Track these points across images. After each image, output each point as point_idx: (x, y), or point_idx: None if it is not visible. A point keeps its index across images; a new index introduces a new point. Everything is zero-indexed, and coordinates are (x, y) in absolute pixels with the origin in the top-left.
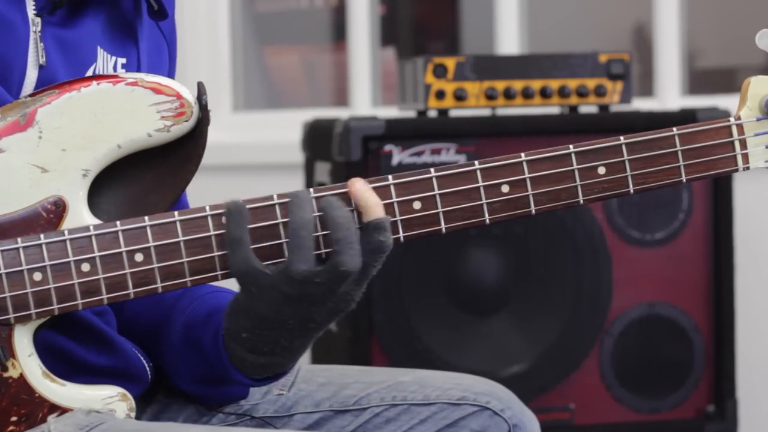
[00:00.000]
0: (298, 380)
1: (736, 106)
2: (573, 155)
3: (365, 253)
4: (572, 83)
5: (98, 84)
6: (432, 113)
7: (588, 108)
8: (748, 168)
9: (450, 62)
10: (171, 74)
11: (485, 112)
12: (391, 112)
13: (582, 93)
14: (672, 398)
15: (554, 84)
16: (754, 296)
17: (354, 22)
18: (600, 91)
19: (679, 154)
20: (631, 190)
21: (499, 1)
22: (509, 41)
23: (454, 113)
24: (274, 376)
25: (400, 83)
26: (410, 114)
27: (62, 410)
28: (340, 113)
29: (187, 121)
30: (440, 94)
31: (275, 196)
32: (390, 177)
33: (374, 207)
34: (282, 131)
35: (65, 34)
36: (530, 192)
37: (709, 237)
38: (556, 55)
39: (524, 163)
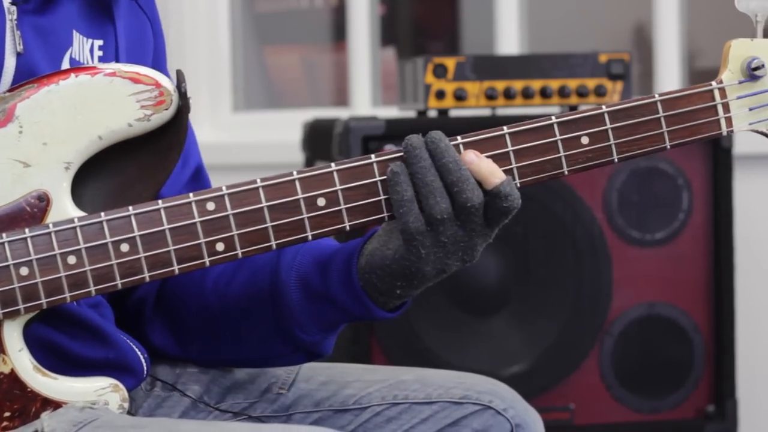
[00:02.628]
0: (299, 379)
1: None
2: (555, 126)
3: (491, 217)
4: (572, 83)
5: (76, 76)
6: (432, 113)
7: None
8: (732, 131)
9: (450, 62)
10: (158, 52)
11: (485, 112)
12: (391, 112)
13: (582, 93)
14: (672, 398)
15: (554, 84)
16: (754, 296)
17: (354, 22)
18: (600, 91)
19: (662, 120)
20: (615, 159)
21: (499, 1)
22: (509, 41)
23: (454, 113)
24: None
25: (400, 83)
26: (410, 114)
27: (55, 404)
28: (340, 113)
29: (167, 109)
30: (440, 94)
31: (373, 156)
32: (373, 156)
33: (490, 176)
34: (282, 131)
35: (41, 21)
36: (514, 165)
37: (709, 237)
38: (556, 55)
39: (507, 136)
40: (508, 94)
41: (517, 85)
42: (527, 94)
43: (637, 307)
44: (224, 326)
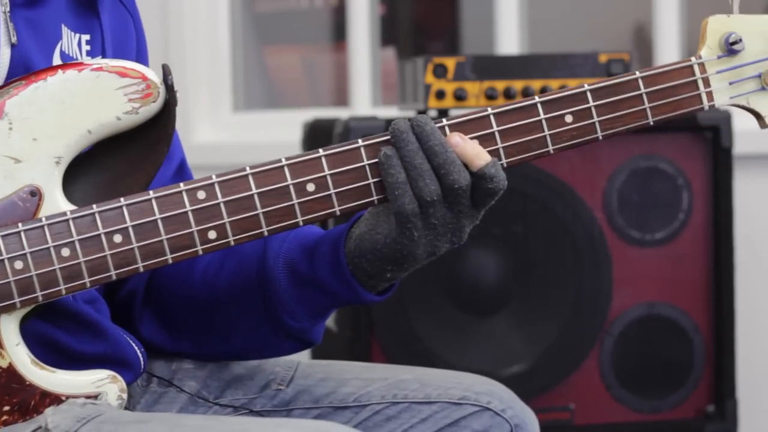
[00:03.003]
0: (297, 375)
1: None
2: (539, 105)
3: (478, 198)
4: (572, 83)
5: (64, 72)
6: (432, 113)
7: None
8: (713, 106)
9: (450, 62)
10: (141, 48)
11: None
12: (391, 112)
13: None
14: (672, 398)
15: (554, 84)
16: (754, 296)
17: (354, 22)
18: None
19: (644, 96)
20: (600, 136)
21: (499, 1)
22: (509, 41)
23: (454, 113)
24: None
25: (400, 83)
26: (410, 114)
27: (54, 396)
28: (340, 113)
29: (154, 102)
30: (440, 94)
31: (360, 141)
32: (360, 140)
33: (475, 158)
34: (282, 131)
35: (31, 14)
36: (500, 145)
37: (709, 237)
38: (556, 55)
39: (491, 117)
40: (508, 94)
41: (517, 85)
42: (527, 94)
43: (637, 307)
44: (214, 316)
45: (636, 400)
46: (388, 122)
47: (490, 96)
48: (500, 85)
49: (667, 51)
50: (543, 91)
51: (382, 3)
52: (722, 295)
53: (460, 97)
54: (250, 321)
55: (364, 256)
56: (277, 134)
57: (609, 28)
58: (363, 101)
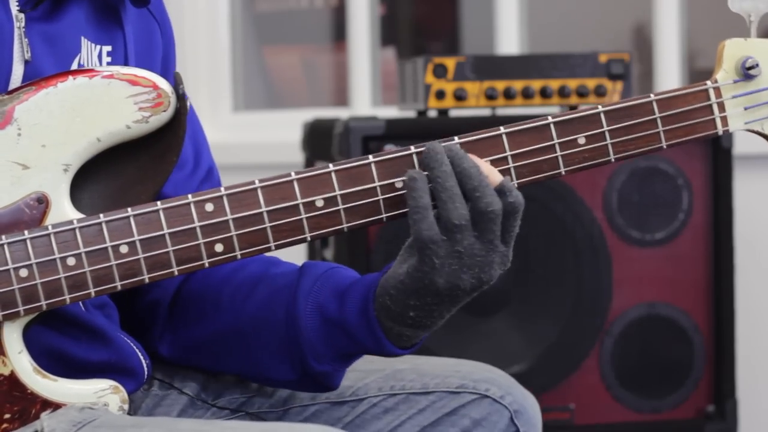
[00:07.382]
0: None
1: None
2: (552, 126)
3: (503, 222)
4: (572, 83)
5: (74, 79)
6: (432, 113)
7: None
8: (727, 131)
9: (450, 62)
10: (168, 55)
11: (485, 112)
12: (391, 112)
13: (582, 93)
14: (672, 398)
15: (554, 84)
16: (754, 296)
17: (354, 22)
18: (600, 91)
19: (658, 120)
20: (612, 159)
21: (499, 1)
22: (509, 41)
23: (454, 113)
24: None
25: (400, 83)
26: (410, 114)
27: (55, 405)
28: (340, 113)
29: (165, 111)
30: (440, 94)
31: (371, 157)
32: (371, 156)
33: (492, 175)
34: (282, 131)
35: (49, 28)
36: (511, 165)
37: (709, 237)
38: (556, 55)
39: (504, 137)
40: (508, 94)
41: (517, 85)
42: (527, 94)
43: (637, 307)
44: (236, 343)
45: (636, 400)
46: (388, 122)
47: (490, 96)
48: (500, 85)
49: (667, 51)
50: (543, 91)
51: (382, 3)
52: (722, 295)
53: (460, 97)
54: (270, 355)
55: (387, 293)
56: (277, 134)
57: (609, 28)
58: (363, 101)
